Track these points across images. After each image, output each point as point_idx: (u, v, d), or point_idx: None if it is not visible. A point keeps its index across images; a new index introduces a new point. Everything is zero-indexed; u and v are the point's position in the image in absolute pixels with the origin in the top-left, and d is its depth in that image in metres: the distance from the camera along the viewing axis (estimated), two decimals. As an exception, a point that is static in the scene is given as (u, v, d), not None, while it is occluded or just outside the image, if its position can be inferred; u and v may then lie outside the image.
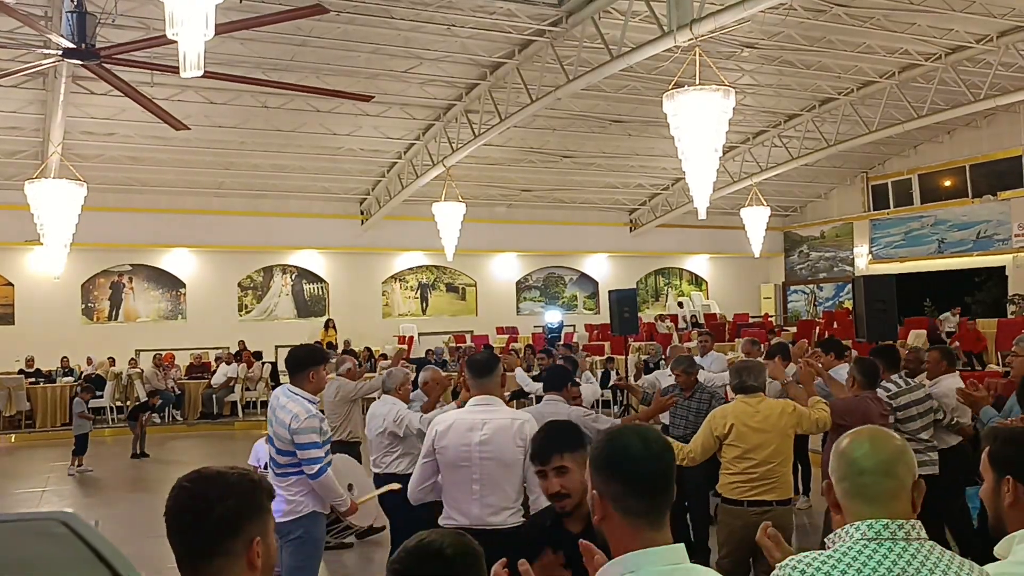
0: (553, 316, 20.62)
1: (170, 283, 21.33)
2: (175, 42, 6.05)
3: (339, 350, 19.87)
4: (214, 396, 17.86)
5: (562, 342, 17.20)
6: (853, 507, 1.94)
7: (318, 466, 4.48)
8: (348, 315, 22.11)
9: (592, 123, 18.81)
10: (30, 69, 9.63)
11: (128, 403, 16.66)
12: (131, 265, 20.90)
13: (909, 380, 6.14)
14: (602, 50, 13.14)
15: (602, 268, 25.86)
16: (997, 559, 2.19)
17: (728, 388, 5.25)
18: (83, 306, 20.43)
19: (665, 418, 7.09)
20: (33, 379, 17.53)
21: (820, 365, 6.17)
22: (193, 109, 15.09)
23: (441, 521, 3.91)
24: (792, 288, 27.56)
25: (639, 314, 18.90)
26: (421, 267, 23.92)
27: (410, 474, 5.48)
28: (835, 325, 19.34)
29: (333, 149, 18.97)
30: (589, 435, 3.33)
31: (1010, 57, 15.33)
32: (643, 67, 14.74)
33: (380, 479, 6.16)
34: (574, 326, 23.46)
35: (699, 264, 27.41)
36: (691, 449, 5.04)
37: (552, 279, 25.76)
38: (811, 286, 27.00)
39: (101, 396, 16.48)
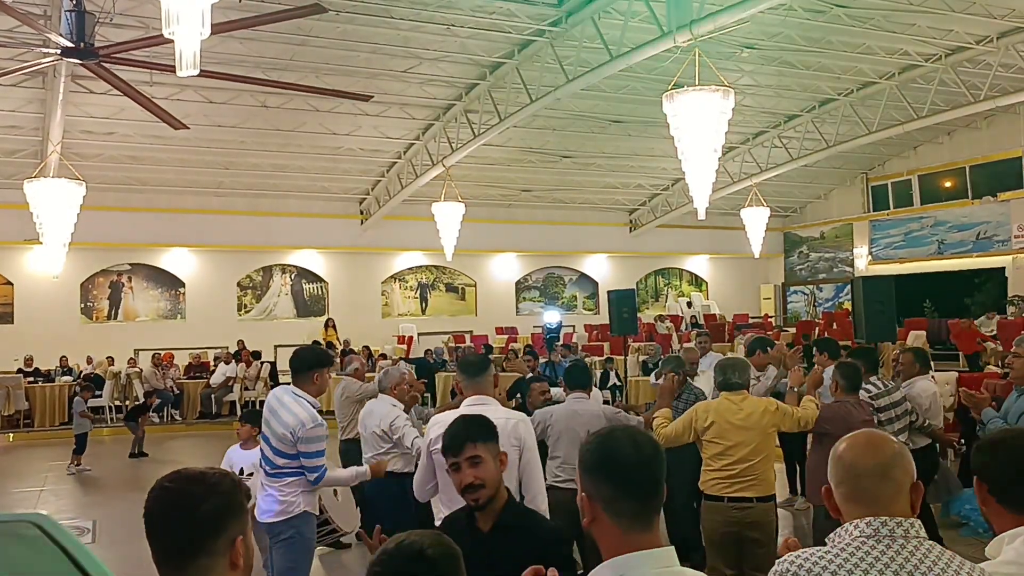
0: (552, 316, 20.63)
1: (169, 282, 21.33)
2: (174, 41, 6.05)
3: (338, 350, 19.89)
4: (212, 396, 17.86)
5: (561, 342, 17.19)
6: (852, 510, 1.95)
7: (317, 474, 4.51)
8: (347, 315, 22.10)
9: (592, 123, 18.80)
10: (29, 68, 9.62)
11: (127, 402, 16.67)
12: (130, 264, 20.89)
13: (887, 382, 6.18)
14: (602, 50, 13.13)
15: (602, 268, 25.86)
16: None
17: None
18: (82, 305, 20.42)
19: None
20: (32, 378, 17.53)
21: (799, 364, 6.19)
22: (192, 108, 15.09)
23: (437, 522, 3.89)
24: (792, 289, 27.55)
25: (639, 314, 18.92)
26: (421, 267, 23.92)
27: (404, 473, 5.50)
28: (834, 326, 19.31)
29: (333, 149, 18.96)
30: None
31: (1010, 58, 15.32)
32: (643, 67, 14.72)
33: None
34: (573, 326, 23.45)
35: (699, 264, 27.41)
36: (665, 433, 5.06)
37: (552, 279, 25.76)
38: (811, 287, 27.00)
39: (100, 395, 16.49)
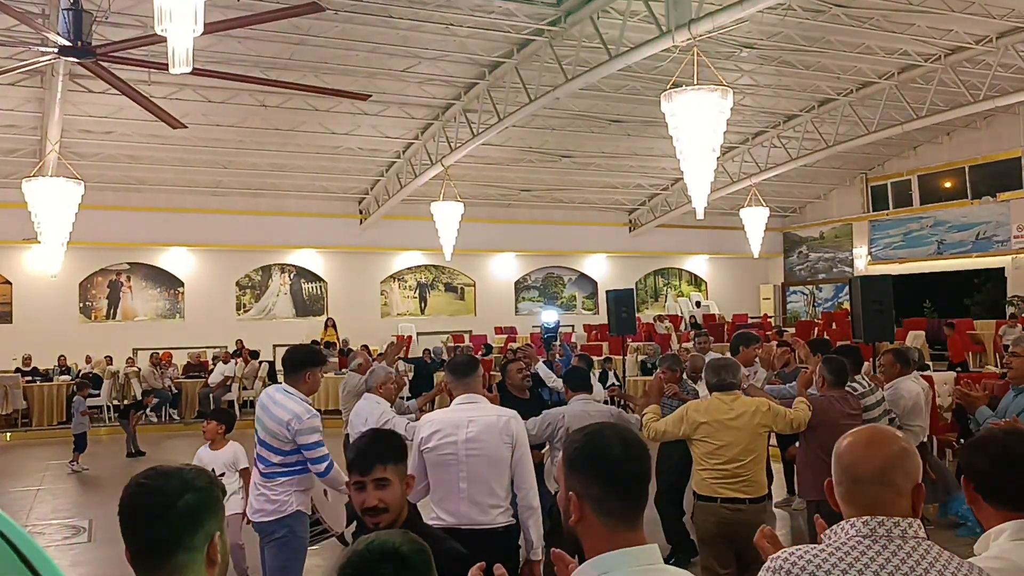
0: (549, 316, 20.61)
1: (168, 282, 21.32)
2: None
3: (337, 349, 19.88)
4: (211, 395, 17.84)
5: (558, 342, 17.17)
6: (849, 511, 1.94)
7: (325, 463, 4.49)
8: (347, 314, 22.09)
9: (591, 123, 18.78)
10: (26, 67, 9.60)
11: (125, 402, 16.65)
12: (129, 264, 20.89)
13: (870, 383, 6.18)
14: (600, 50, 13.12)
15: (601, 268, 25.85)
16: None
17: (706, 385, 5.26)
18: (81, 305, 20.41)
19: None
20: (30, 377, 17.51)
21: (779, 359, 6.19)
22: (191, 108, 15.08)
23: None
24: (791, 289, 27.54)
25: (638, 314, 18.89)
26: (420, 267, 23.91)
27: None
28: (834, 326, 19.31)
29: (331, 148, 18.95)
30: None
31: (1009, 58, 15.31)
32: (642, 67, 14.72)
33: None
34: (572, 326, 23.44)
35: (698, 264, 27.39)
36: (655, 427, 5.10)
37: (551, 279, 25.75)
38: (810, 287, 26.98)
39: (98, 395, 16.47)
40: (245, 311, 22.13)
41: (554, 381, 9.75)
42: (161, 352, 18.64)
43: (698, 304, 25.61)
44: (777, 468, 8.89)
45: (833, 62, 16.20)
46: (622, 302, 12.95)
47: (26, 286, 19.48)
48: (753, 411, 4.97)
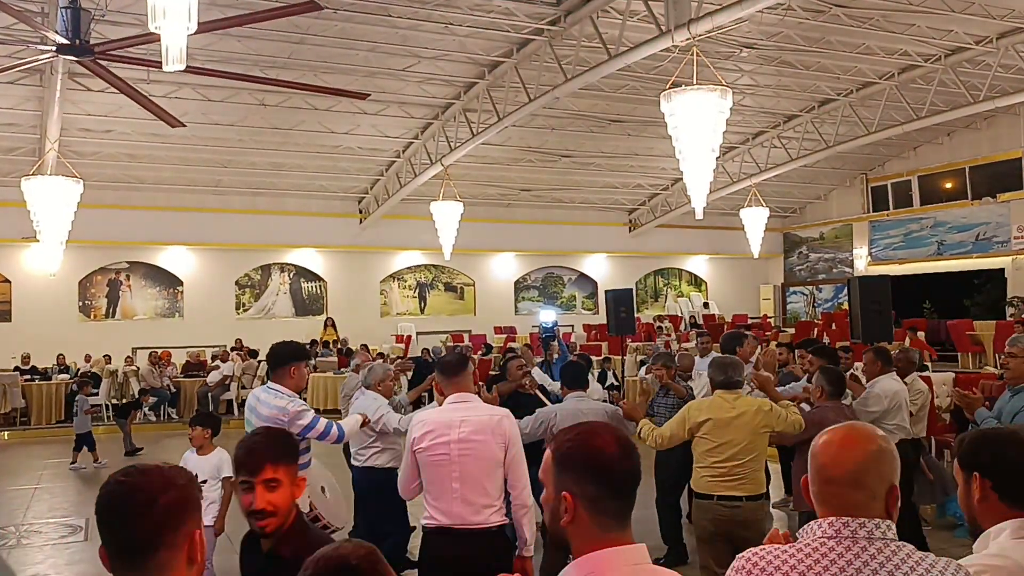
0: (547, 315, 20.59)
1: (167, 281, 21.31)
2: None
3: (335, 348, 19.88)
4: (210, 394, 17.83)
5: (556, 342, 17.16)
6: (822, 512, 1.91)
7: (332, 431, 4.58)
8: (346, 314, 22.09)
9: (591, 123, 18.78)
10: (25, 65, 9.61)
11: (123, 400, 16.67)
12: (128, 263, 20.89)
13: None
14: (600, 49, 13.11)
15: (601, 268, 25.84)
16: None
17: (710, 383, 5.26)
18: (80, 303, 20.41)
19: None
20: (28, 376, 17.50)
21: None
22: (190, 106, 15.08)
23: (423, 521, 3.88)
24: (791, 289, 27.53)
25: (638, 314, 18.84)
26: (419, 266, 23.90)
27: (389, 468, 5.55)
28: (833, 327, 19.29)
29: (331, 147, 18.94)
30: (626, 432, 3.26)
31: (1009, 59, 15.29)
32: (642, 67, 14.72)
33: (360, 472, 6.25)
34: (572, 326, 23.43)
35: (698, 265, 27.39)
36: (660, 433, 5.10)
37: (551, 279, 25.74)
38: (810, 287, 26.97)
39: (97, 393, 16.46)
40: (244, 310, 22.13)
41: (550, 384, 9.75)
42: (160, 351, 18.63)
43: (706, 305, 25.63)
44: (775, 468, 8.86)
45: (833, 62, 16.19)
46: (621, 302, 12.95)
47: (25, 285, 19.48)
48: (755, 410, 4.96)
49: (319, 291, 22.91)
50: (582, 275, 25.94)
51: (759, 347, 8.29)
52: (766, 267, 27.33)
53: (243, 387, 18.08)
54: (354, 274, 22.91)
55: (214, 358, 19.11)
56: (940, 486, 7.12)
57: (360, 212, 22.37)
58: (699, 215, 12.33)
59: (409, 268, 23.83)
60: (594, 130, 19.20)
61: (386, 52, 14.38)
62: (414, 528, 6.13)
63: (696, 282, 27.52)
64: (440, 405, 4.04)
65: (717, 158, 11.73)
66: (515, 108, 15.34)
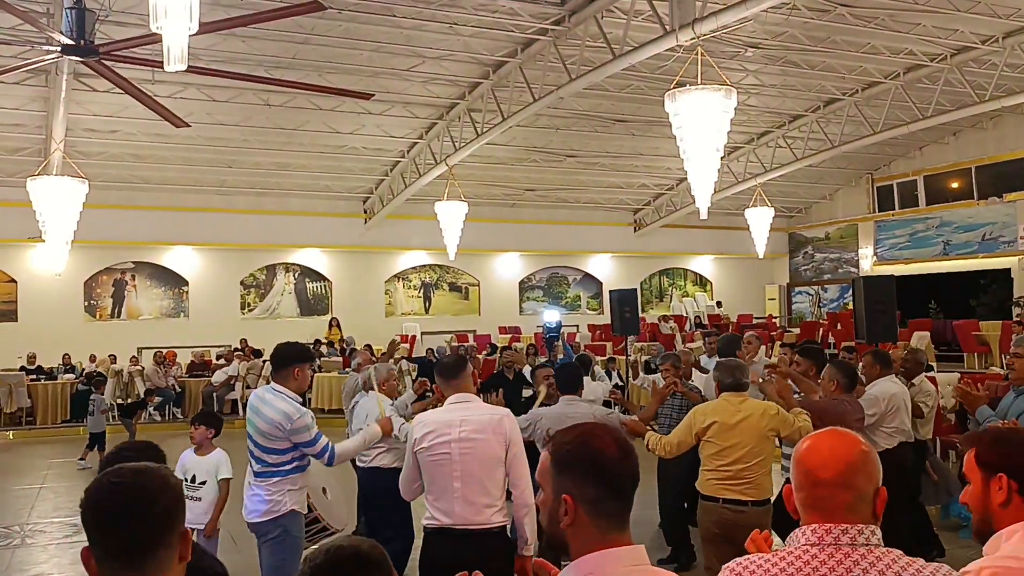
0: (551, 315, 20.57)
1: (172, 281, 21.35)
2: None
3: (338, 348, 19.89)
4: (215, 394, 17.86)
5: (560, 342, 17.15)
6: (808, 517, 1.89)
7: (328, 453, 4.53)
8: (351, 314, 22.10)
9: (596, 122, 18.76)
10: (30, 65, 9.62)
11: (128, 400, 16.70)
12: (133, 263, 20.92)
13: None
14: (604, 49, 13.10)
15: (606, 268, 25.81)
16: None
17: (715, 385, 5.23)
18: (85, 303, 20.45)
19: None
20: (34, 376, 17.55)
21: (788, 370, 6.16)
22: (195, 107, 15.10)
23: (424, 522, 3.88)
24: (796, 289, 27.47)
25: (642, 314, 18.83)
26: (424, 266, 23.90)
27: (393, 468, 5.55)
28: (839, 327, 19.28)
29: (336, 147, 18.95)
30: None
31: (1016, 58, 15.24)
32: (646, 66, 14.69)
33: (365, 472, 6.24)
34: (577, 326, 23.42)
35: (703, 265, 27.34)
36: (668, 441, 5.07)
37: (555, 279, 25.72)
38: (816, 287, 26.91)
39: (102, 393, 16.50)
40: (249, 310, 22.16)
41: None
42: (165, 351, 18.67)
43: (719, 304, 25.60)
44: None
45: (838, 62, 16.14)
46: (625, 302, 12.93)
47: (31, 285, 19.53)
48: (761, 413, 4.91)
49: (324, 291, 22.93)
50: (587, 275, 25.92)
51: (761, 348, 8.26)
52: (771, 267, 27.28)
53: (248, 387, 18.10)
54: (359, 274, 22.93)
55: (219, 358, 19.15)
56: (944, 487, 7.09)
57: (365, 212, 22.38)
58: (703, 215, 12.31)
59: (414, 268, 23.84)
60: (599, 130, 19.18)
61: (390, 52, 14.38)
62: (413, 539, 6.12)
63: (701, 282, 27.49)
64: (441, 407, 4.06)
65: (722, 158, 11.72)
66: (519, 108, 15.33)
